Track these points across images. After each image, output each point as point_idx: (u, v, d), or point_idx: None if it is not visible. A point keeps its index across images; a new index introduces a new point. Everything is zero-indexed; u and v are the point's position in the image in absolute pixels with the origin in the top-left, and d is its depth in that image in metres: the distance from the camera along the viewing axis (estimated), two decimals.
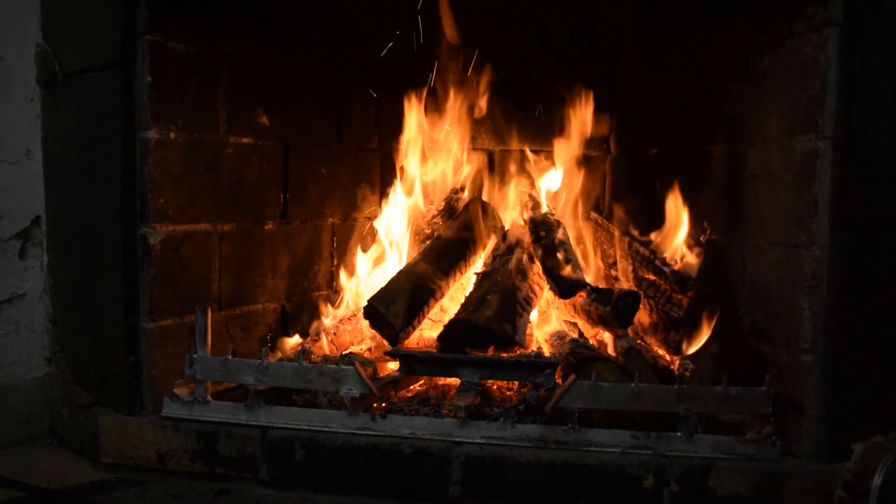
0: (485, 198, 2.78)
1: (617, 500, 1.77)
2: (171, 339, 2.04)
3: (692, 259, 2.27)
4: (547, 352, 2.25)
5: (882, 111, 1.70)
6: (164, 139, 2.00)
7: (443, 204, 2.83)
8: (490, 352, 2.11)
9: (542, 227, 2.49)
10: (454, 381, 2.13)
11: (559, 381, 1.99)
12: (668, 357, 2.28)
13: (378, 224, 2.81)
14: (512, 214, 2.80)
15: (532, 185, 2.81)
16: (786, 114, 1.85)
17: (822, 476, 1.71)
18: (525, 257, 2.45)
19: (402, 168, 2.88)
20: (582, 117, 2.76)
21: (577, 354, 2.07)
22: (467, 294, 2.36)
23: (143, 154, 1.97)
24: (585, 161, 2.80)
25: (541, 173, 2.81)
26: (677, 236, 2.37)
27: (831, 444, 1.75)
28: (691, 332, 2.17)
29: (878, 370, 1.73)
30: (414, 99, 2.86)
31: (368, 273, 2.69)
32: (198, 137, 2.10)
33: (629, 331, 2.27)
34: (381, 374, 2.12)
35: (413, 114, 2.86)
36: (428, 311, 2.37)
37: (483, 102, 2.83)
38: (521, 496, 1.80)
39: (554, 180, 2.82)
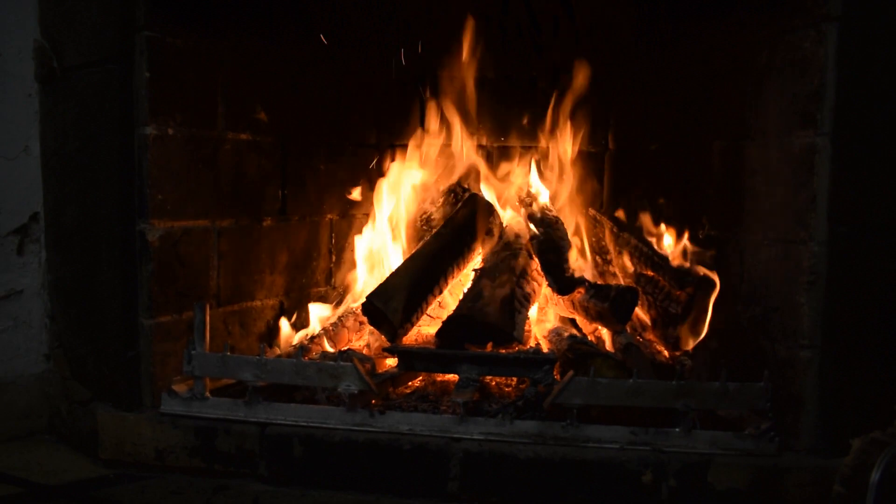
0: (483, 194, 2.77)
1: (615, 495, 1.77)
2: (170, 335, 2.03)
3: (691, 255, 2.27)
4: (545, 348, 2.25)
5: (882, 107, 1.70)
6: (163, 135, 1.99)
7: (441, 200, 2.82)
8: (489, 348, 2.11)
9: (541, 224, 2.49)
10: (453, 377, 2.13)
11: (557, 377, 1.99)
12: (666, 353, 2.28)
13: (377, 220, 2.81)
14: (510, 211, 2.80)
15: (530, 181, 2.81)
16: (784, 109, 1.85)
17: (821, 471, 1.72)
18: (523, 254, 2.44)
19: (401, 164, 2.87)
20: (580, 113, 2.76)
21: (575, 350, 2.07)
22: (466, 290, 2.36)
23: (142, 150, 1.96)
24: (584, 157, 2.79)
25: (539, 170, 2.80)
26: (676, 232, 2.37)
27: (830, 439, 1.75)
28: (690, 327, 2.17)
29: (877, 365, 1.73)
30: (413, 95, 2.85)
31: (367, 269, 2.68)
32: (196, 133, 2.09)
33: (627, 327, 2.27)
34: (380, 371, 2.12)
35: (412, 110, 2.85)
36: (427, 308, 2.37)
37: (482, 99, 2.83)
38: (519, 492, 1.80)
39: (552, 176, 2.81)
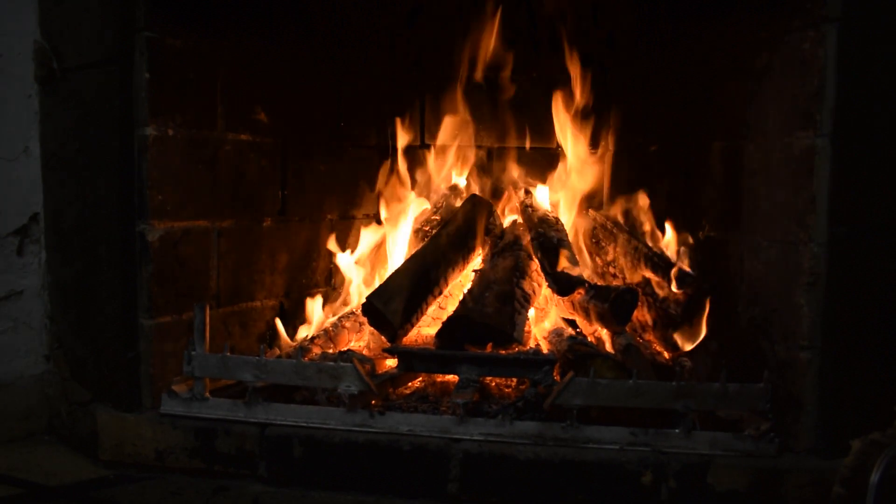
0: (483, 195, 2.77)
1: (615, 496, 1.77)
2: (170, 336, 2.03)
3: (691, 256, 2.27)
4: (545, 349, 2.25)
5: (882, 107, 1.70)
6: (162, 136, 1.99)
7: (441, 201, 2.82)
8: (488, 349, 2.11)
9: (541, 225, 2.49)
10: (453, 377, 2.13)
11: (557, 378, 1.99)
12: (666, 354, 2.28)
13: (377, 221, 2.81)
14: (510, 212, 2.80)
15: (530, 182, 2.81)
16: (784, 110, 1.85)
17: (821, 472, 1.71)
18: (523, 255, 2.44)
19: (400, 165, 2.88)
20: (580, 114, 2.76)
21: (575, 351, 2.07)
22: (466, 291, 2.36)
23: (141, 151, 1.96)
24: (584, 158, 2.79)
25: (539, 170, 2.81)
26: (676, 233, 2.37)
27: (829, 440, 1.75)
28: (690, 328, 2.17)
29: (876, 366, 1.73)
30: (412, 96, 2.84)
31: (367, 270, 2.68)
32: (196, 134, 2.09)
33: (627, 328, 2.27)
34: (380, 371, 2.12)
35: (411, 111, 2.85)
36: (427, 308, 2.37)
37: (481, 99, 2.83)
38: (519, 493, 1.80)
39: (552, 177, 2.81)
